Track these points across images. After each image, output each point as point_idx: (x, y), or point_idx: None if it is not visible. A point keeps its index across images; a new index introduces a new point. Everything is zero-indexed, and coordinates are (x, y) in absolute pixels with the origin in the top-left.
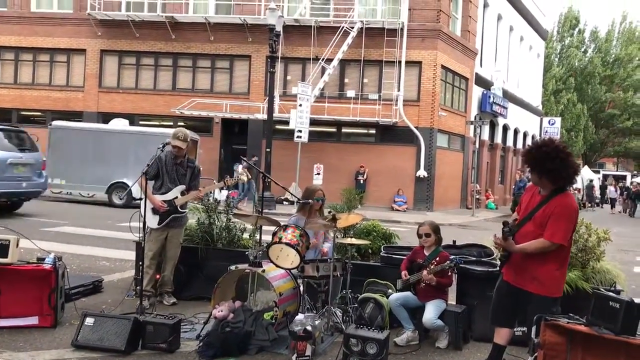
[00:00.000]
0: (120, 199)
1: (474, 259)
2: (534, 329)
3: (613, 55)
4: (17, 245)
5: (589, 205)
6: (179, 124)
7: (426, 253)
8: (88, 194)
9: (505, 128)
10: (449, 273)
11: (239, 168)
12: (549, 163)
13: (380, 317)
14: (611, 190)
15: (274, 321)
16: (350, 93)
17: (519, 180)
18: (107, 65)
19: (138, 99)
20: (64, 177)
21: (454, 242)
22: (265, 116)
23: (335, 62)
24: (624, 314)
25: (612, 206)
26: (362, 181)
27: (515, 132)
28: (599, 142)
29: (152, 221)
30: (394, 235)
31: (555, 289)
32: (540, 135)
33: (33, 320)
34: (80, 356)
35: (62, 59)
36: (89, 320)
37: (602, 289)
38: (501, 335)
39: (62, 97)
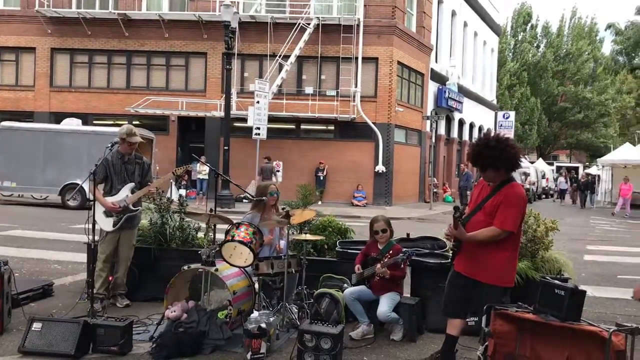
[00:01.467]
0: (68, 200)
1: (427, 251)
2: (484, 318)
3: (564, 50)
4: None
5: (556, 197)
6: (134, 122)
7: (380, 247)
8: (41, 196)
9: (461, 122)
10: (402, 265)
11: (197, 166)
12: (485, 153)
13: (336, 312)
14: (561, 182)
15: (228, 320)
16: (308, 89)
17: (463, 173)
18: (58, 63)
19: (91, 98)
20: (15, 180)
21: (408, 235)
22: (222, 114)
23: (292, 59)
24: (568, 301)
25: (562, 197)
26: (322, 177)
27: (471, 126)
28: (552, 134)
29: (106, 224)
30: (350, 230)
31: (505, 278)
32: (495, 129)
33: None
34: None
35: (10, 57)
36: (37, 325)
37: (549, 278)
38: (454, 326)
39: (11, 96)
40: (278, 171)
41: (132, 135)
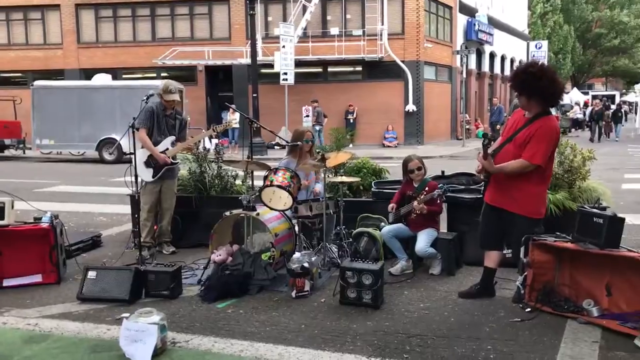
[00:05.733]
0: (110, 154)
1: (462, 187)
2: (522, 249)
3: None
4: (13, 207)
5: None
6: (162, 74)
7: (415, 185)
8: (78, 152)
9: (492, 55)
10: (439, 201)
11: (227, 115)
12: (537, 83)
13: (375, 250)
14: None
15: (271, 261)
16: (334, 30)
17: (495, 107)
18: (83, 19)
19: (118, 53)
20: (52, 137)
21: (443, 172)
22: (249, 61)
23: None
24: (607, 229)
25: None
26: (351, 120)
27: (502, 58)
28: (586, 62)
29: (146, 174)
30: (384, 171)
31: (534, 210)
32: (527, 60)
33: (37, 278)
34: (87, 308)
35: (37, 16)
36: (92, 274)
37: (587, 207)
38: (491, 259)
39: (40, 55)
40: (307, 116)
41: (169, 93)
